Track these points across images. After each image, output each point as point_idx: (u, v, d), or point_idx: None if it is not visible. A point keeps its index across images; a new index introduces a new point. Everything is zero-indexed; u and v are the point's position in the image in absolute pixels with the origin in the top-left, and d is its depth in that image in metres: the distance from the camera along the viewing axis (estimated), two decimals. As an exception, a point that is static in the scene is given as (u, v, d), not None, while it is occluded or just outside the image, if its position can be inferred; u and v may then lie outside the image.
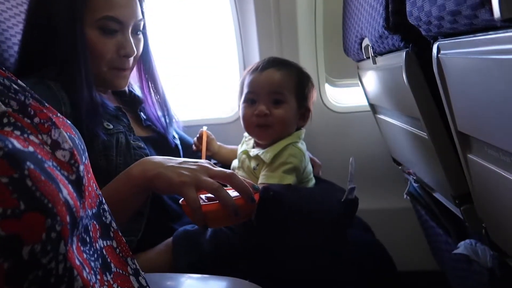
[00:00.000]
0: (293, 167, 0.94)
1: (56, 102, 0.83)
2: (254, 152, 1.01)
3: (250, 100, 1.00)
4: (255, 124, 0.98)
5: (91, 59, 0.88)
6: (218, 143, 1.18)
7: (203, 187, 0.66)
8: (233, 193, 0.69)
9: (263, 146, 1.01)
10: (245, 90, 1.01)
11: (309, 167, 1.01)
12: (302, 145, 1.00)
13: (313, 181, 1.02)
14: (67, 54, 0.86)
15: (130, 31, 0.92)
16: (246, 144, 1.09)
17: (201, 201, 0.68)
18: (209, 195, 0.69)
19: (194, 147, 1.14)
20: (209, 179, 0.67)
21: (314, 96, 1.06)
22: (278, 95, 0.97)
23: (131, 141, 0.91)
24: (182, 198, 0.68)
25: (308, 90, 1.03)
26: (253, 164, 1.00)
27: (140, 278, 0.49)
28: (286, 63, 1.04)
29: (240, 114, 1.02)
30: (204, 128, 1.15)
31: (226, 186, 0.69)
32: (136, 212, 0.78)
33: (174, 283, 0.68)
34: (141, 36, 0.97)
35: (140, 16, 0.93)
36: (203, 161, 0.72)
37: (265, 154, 0.97)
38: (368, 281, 0.88)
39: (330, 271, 0.85)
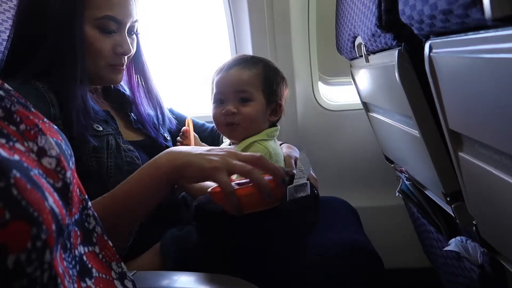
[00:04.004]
0: None
1: (45, 104, 0.81)
2: None
3: (219, 100, 1.00)
4: (224, 123, 0.98)
5: (88, 56, 0.87)
6: (203, 144, 1.17)
7: (235, 170, 0.66)
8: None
9: (235, 144, 1.01)
10: (214, 90, 1.01)
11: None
12: (271, 143, 0.99)
13: None
14: (64, 53, 0.84)
15: (126, 30, 0.91)
16: (224, 142, 1.08)
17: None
18: (238, 181, 0.69)
19: (178, 143, 1.11)
20: (240, 162, 0.67)
21: (285, 90, 1.05)
22: (244, 94, 0.97)
23: (121, 144, 0.91)
24: (211, 188, 0.68)
25: (276, 84, 1.02)
26: None
27: (126, 281, 0.48)
28: (253, 59, 1.03)
29: (211, 114, 1.02)
30: (189, 117, 1.13)
31: None
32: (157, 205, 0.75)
33: (168, 281, 0.68)
34: (135, 36, 0.96)
35: (136, 17, 0.93)
36: (230, 147, 0.71)
37: None
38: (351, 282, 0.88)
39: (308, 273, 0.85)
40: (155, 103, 1.08)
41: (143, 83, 1.06)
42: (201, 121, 1.28)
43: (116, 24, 0.88)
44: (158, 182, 0.69)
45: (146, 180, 0.69)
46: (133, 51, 0.95)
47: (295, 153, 1.09)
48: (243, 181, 0.68)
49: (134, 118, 1.03)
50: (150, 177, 0.69)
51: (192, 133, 1.10)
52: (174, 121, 1.17)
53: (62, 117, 0.82)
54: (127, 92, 1.08)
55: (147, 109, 1.06)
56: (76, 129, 0.81)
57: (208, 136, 1.23)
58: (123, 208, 0.69)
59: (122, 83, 1.04)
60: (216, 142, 1.21)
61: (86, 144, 0.84)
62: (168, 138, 1.11)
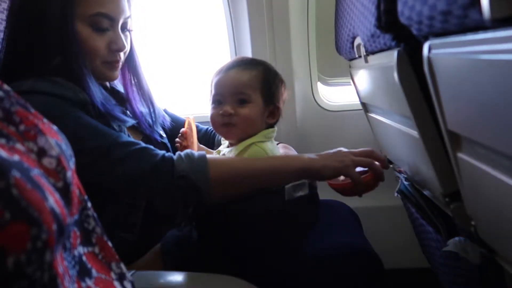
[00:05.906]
0: None
1: (70, 91, 0.81)
2: (222, 151, 1.02)
3: (217, 101, 1.00)
4: (221, 123, 0.98)
5: (84, 55, 0.87)
6: (201, 145, 1.16)
7: (360, 164, 0.86)
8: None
9: (233, 146, 1.01)
10: (212, 92, 1.01)
11: None
12: (268, 144, 0.99)
13: None
14: (66, 53, 0.84)
15: (119, 27, 0.91)
16: (222, 144, 1.08)
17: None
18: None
19: (177, 145, 1.10)
20: (361, 157, 0.87)
21: (284, 93, 1.05)
22: (242, 95, 0.96)
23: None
24: (332, 183, 0.91)
25: (275, 87, 1.02)
26: None
27: (125, 282, 0.48)
28: (252, 62, 1.03)
29: (209, 114, 1.02)
30: (191, 117, 1.11)
31: None
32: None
33: (167, 281, 0.68)
34: (128, 33, 0.96)
35: (129, 14, 0.93)
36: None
37: (229, 153, 0.98)
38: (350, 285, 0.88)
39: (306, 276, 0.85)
40: (148, 100, 1.07)
41: (135, 80, 1.06)
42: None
43: (109, 21, 0.88)
44: (295, 176, 0.87)
45: (292, 169, 0.87)
46: (128, 47, 0.95)
47: (292, 152, 1.10)
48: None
49: (129, 116, 1.03)
50: (289, 167, 0.87)
51: (195, 134, 1.08)
52: (168, 119, 1.16)
53: (91, 102, 0.84)
54: (120, 89, 1.07)
55: (140, 107, 1.06)
56: (105, 111, 0.85)
57: (202, 137, 1.22)
58: (258, 176, 0.87)
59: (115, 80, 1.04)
60: (211, 143, 1.20)
61: (124, 124, 0.88)
62: (164, 135, 1.10)
